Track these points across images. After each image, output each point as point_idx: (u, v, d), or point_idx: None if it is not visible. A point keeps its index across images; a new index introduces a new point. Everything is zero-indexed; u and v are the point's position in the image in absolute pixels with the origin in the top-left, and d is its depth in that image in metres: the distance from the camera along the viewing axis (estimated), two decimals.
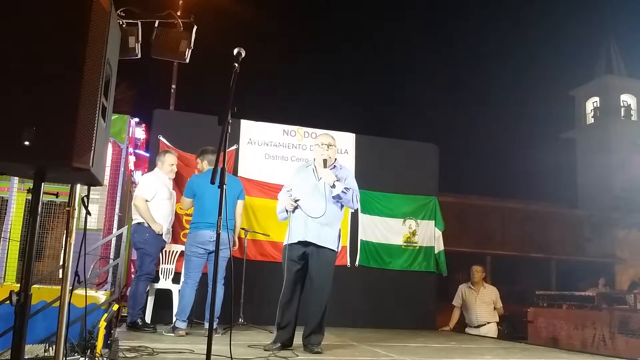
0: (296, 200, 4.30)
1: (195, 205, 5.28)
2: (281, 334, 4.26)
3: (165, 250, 5.85)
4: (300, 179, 4.46)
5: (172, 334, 4.96)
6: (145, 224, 5.34)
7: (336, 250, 4.37)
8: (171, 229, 5.71)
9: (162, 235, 5.41)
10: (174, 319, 5.20)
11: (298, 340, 4.34)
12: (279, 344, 4.19)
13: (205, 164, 5.52)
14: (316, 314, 4.24)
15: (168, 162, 5.66)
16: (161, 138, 6.48)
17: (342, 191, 4.26)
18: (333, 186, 4.24)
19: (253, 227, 6.48)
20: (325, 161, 4.30)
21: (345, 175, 4.42)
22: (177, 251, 5.97)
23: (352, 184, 4.39)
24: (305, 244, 4.26)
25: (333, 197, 4.28)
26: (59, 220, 5.77)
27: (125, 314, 5.59)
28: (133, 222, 5.43)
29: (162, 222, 5.43)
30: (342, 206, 4.43)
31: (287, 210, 4.35)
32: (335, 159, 4.49)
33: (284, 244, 4.45)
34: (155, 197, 5.43)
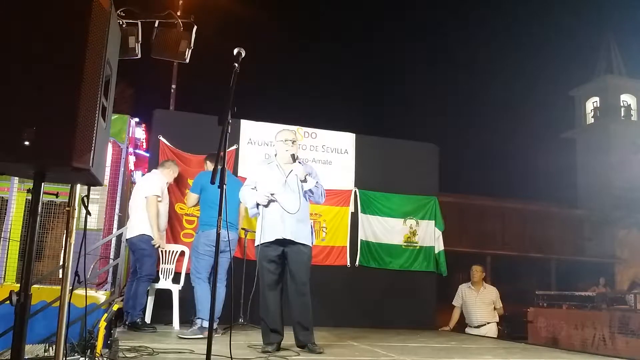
0: (272, 194, 4.18)
1: (204, 203, 5.20)
2: (274, 336, 4.18)
3: (166, 250, 5.85)
4: (266, 175, 4.34)
5: (201, 335, 4.70)
6: (146, 235, 5.33)
7: (311, 244, 4.32)
8: (165, 233, 5.72)
9: (157, 245, 5.42)
10: (198, 320, 4.91)
11: (290, 340, 4.31)
12: (274, 345, 4.14)
13: (209, 165, 5.56)
14: (305, 312, 4.18)
15: (173, 174, 5.81)
16: (161, 138, 6.48)
17: (315, 186, 4.24)
18: (304, 181, 4.20)
19: (253, 227, 6.46)
20: (293, 156, 4.26)
21: (311, 170, 4.38)
22: (177, 251, 5.96)
23: (319, 179, 4.37)
24: (282, 242, 4.17)
25: (305, 192, 4.25)
26: (59, 220, 5.77)
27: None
28: (134, 234, 5.38)
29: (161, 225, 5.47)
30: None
31: (258, 205, 4.25)
32: (298, 155, 4.42)
33: (256, 244, 4.32)
34: (162, 196, 5.51)
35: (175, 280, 5.82)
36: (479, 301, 7.07)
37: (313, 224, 4.52)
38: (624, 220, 20.29)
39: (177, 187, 6.24)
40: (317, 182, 4.28)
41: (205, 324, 4.84)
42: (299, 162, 4.33)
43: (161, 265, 5.84)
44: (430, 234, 7.48)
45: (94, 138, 2.11)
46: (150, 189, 5.47)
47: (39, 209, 2.27)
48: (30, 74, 2.08)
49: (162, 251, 5.76)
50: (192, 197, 5.31)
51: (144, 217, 5.37)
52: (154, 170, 5.82)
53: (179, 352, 3.88)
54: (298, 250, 4.21)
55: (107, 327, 3.93)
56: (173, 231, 6.25)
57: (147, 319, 5.55)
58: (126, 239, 5.51)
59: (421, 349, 5.02)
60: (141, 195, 5.49)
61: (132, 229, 5.40)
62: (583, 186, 25.80)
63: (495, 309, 7.12)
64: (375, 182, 7.33)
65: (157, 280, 5.75)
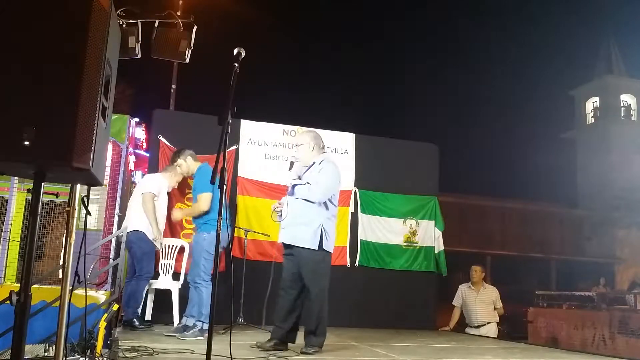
0: (279, 203, 4.46)
1: (217, 202, 4.94)
2: (275, 330, 4.29)
3: (166, 245, 5.85)
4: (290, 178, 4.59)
5: (201, 338, 4.67)
6: (141, 232, 5.34)
7: (315, 248, 4.20)
8: (162, 236, 5.73)
9: (155, 240, 5.41)
10: (199, 323, 4.84)
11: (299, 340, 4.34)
12: (274, 341, 4.20)
13: (190, 161, 5.42)
14: (307, 314, 4.25)
15: (176, 179, 5.77)
16: (161, 138, 6.48)
17: (308, 190, 4.25)
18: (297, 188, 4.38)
19: (253, 227, 6.47)
20: (291, 163, 4.42)
21: (315, 170, 4.32)
22: (176, 246, 5.95)
23: (317, 178, 4.26)
24: (286, 245, 4.36)
25: (289, 194, 4.38)
26: (59, 220, 5.76)
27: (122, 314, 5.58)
28: (129, 230, 5.36)
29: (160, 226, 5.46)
30: (322, 203, 4.28)
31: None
32: (304, 155, 4.46)
33: None
34: (159, 196, 5.50)
35: (175, 277, 5.82)
36: (479, 301, 7.07)
37: None
38: (624, 220, 20.32)
39: (178, 187, 6.23)
40: (300, 183, 4.31)
41: (206, 326, 4.82)
42: (313, 163, 4.38)
43: (161, 261, 5.84)
44: (430, 234, 7.47)
45: (94, 138, 2.11)
46: (147, 187, 5.54)
47: (39, 209, 2.27)
48: (30, 74, 2.08)
49: (162, 246, 5.76)
50: (209, 198, 4.96)
51: (140, 214, 5.40)
52: (158, 174, 5.85)
53: (179, 352, 3.89)
54: (298, 253, 4.25)
55: (107, 327, 3.92)
56: (173, 231, 6.25)
57: (148, 318, 5.56)
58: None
59: (421, 349, 5.02)
60: (138, 193, 5.56)
61: (128, 226, 5.42)
62: (583, 186, 25.81)
63: (495, 309, 7.12)
64: (375, 182, 7.33)
65: (156, 276, 5.75)
